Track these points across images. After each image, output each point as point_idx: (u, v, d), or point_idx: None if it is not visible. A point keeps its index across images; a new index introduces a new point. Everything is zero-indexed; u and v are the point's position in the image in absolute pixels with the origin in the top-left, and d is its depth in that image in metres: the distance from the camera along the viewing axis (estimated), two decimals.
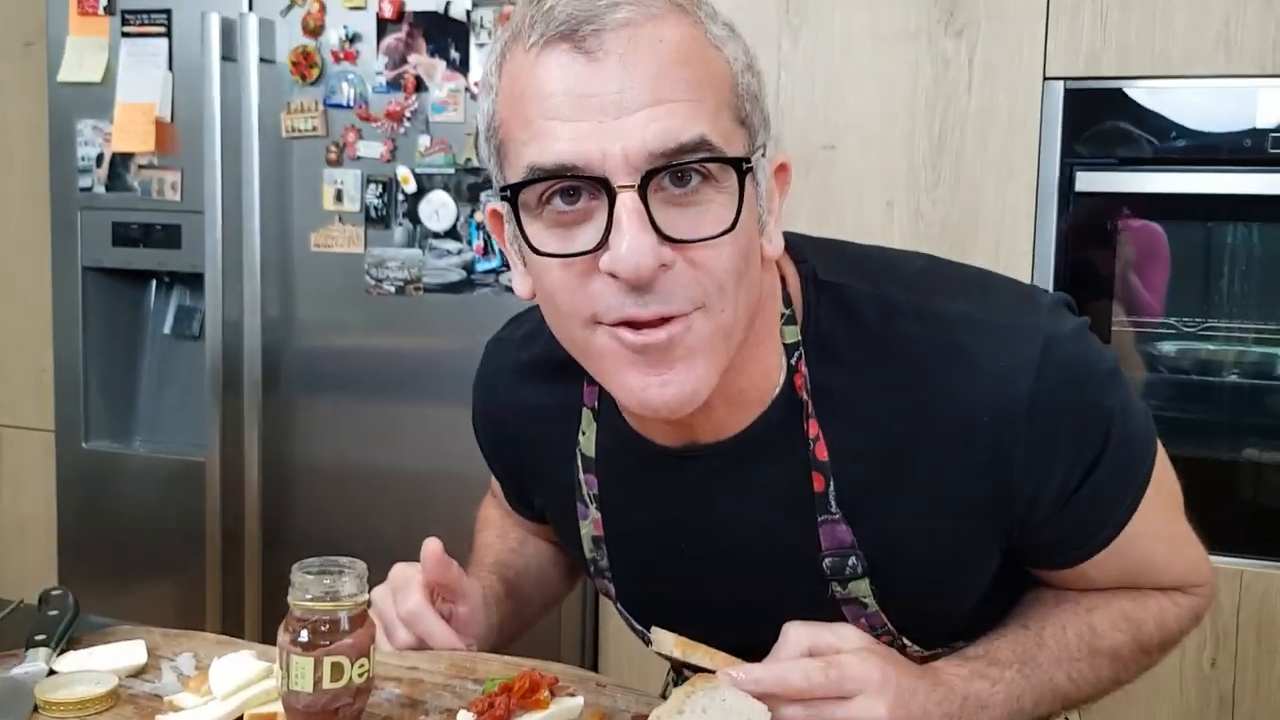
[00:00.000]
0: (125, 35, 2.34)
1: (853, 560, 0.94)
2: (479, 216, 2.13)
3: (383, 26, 2.16)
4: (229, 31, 2.23)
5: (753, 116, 0.86)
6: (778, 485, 0.96)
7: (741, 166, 0.82)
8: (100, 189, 2.40)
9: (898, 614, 0.98)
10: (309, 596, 0.87)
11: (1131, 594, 1.01)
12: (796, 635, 0.89)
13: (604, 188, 0.80)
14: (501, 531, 1.27)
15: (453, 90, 2.13)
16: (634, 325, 0.83)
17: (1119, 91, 1.96)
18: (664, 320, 0.83)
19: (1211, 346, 2.02)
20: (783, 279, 0.95)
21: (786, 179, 0.92)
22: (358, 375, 2.25)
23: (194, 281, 2.42)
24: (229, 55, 2.23)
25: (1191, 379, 2.05)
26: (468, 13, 2.10)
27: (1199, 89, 1.92)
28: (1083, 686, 0.98)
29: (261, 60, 2.20)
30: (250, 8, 2.25)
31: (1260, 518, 1.97)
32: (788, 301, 0.95)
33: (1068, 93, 1.97)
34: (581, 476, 1.05)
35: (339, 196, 2.22)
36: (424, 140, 2.15)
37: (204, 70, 2.23)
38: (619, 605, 1.11)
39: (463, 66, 2.12)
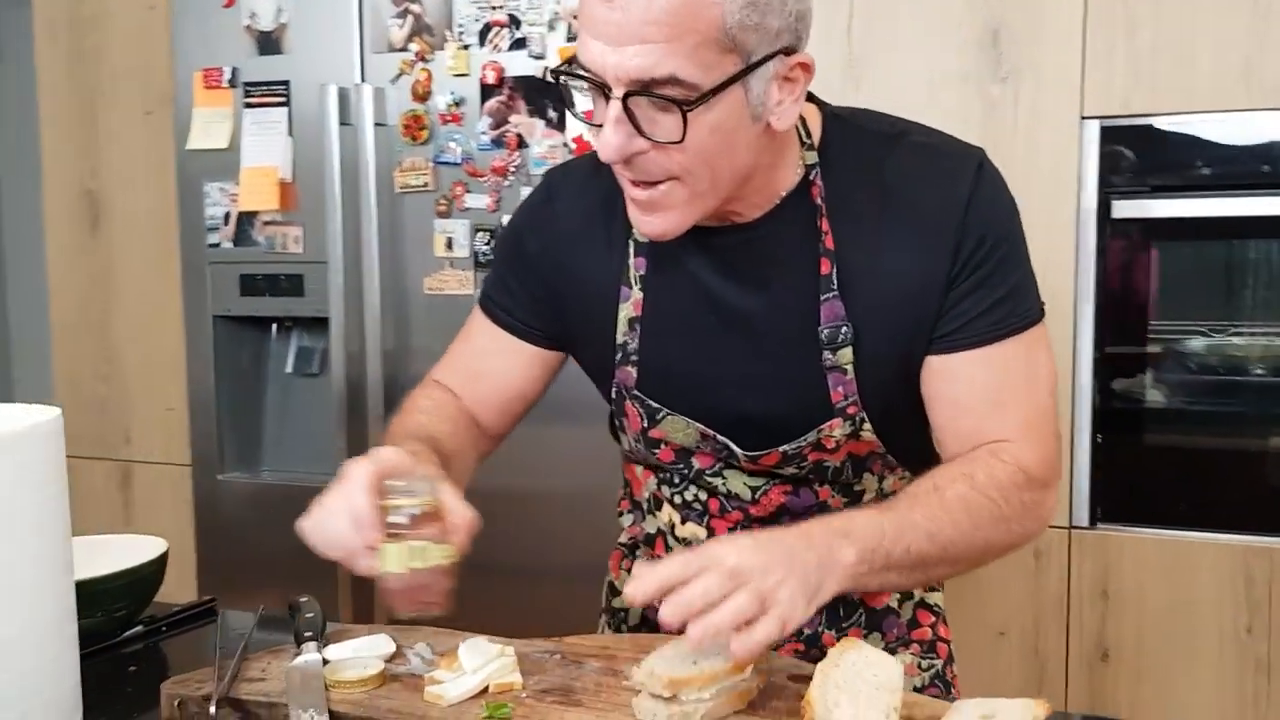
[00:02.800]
0: (248, 106, 2.57)
1: (844, 330, 1.18)
2: None
3: (486, 91, 2.38)
4: (344, 100, 2.44)
5: (746, 37, 1.06)
6: (794, 268, 1.20)
7: (690, 102, 1.04)
8: (228, 244, 2.63)
9: (865, 384, 1.20)
10: (392, 498, 1.06)
11: (969, 457, 1.19)
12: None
13: (605, 91, 1.07)
14: (437, 416, 1.38)
15: (551, 146, 2.33)
16: (631, 182, 1.13)
17: (1150, 126, 2.14)
18: (648, 184, 1.11)
19: (1238, 342, 2.23)
20: (804, 120, 1.21)
21: (810, 71, 1.12)
22: None
23: (313, 324, 2.64)
24: (345, 120, 2.44)
25: (1221, 377, 2.25)
26: (558, 77, 2.32)
27: (1223, 121, 2.11)
28: (942, 526, 1.11)
29: (375, 125, 2.42)
30: (363, 78, 2.46)
31: None
32: (809, 134, 1.21)
33: (1103, 129, 2.16)
34: (631, 260, 1.26)
35: (449, 244, 2.43)
36: (526, 191, 2.36)
37: (323, 135, 2.44)
38: (634, 392, 1.28)
39: (560, 124, 2.34)
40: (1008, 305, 1.19)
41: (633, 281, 1.27)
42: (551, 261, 1.32)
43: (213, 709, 1.07)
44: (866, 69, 2.28)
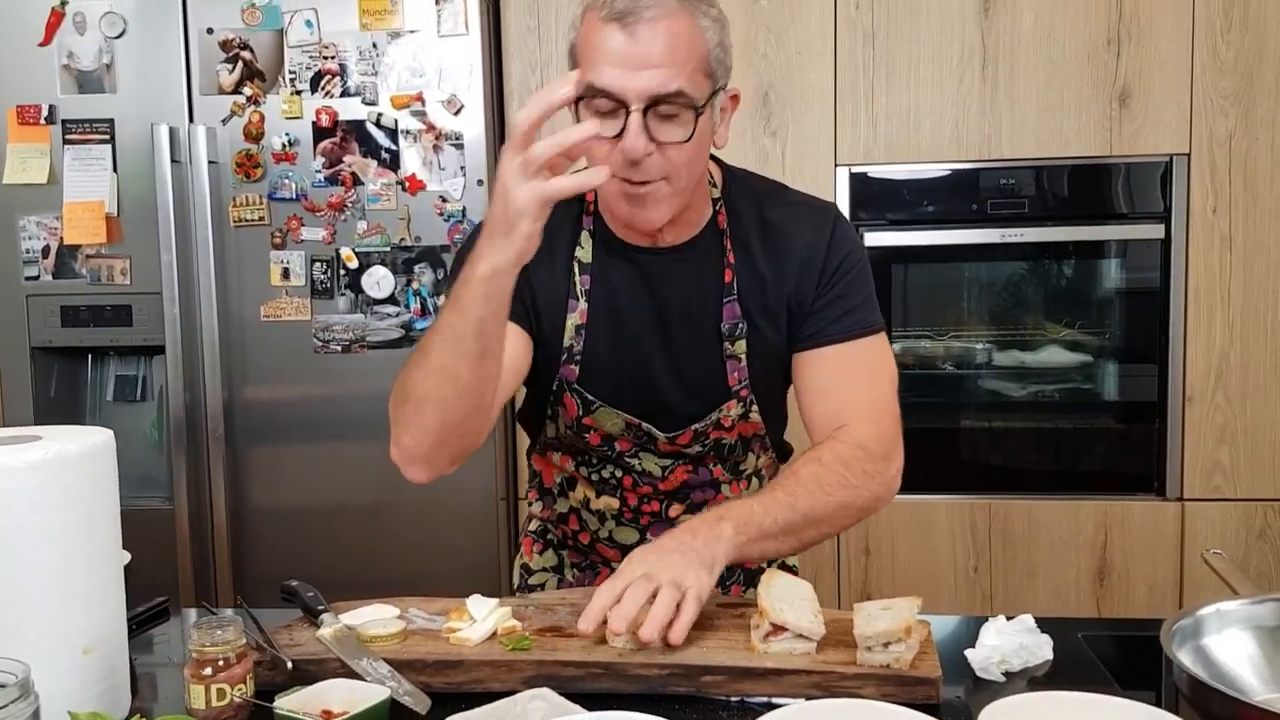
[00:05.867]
0: (68, 142, 2.59)
1: (740, 326, 1.51)
2: (415, 284, 2.57)
3: (319, 132, 2.55)
4: (175, 138, 2.55)
5: (717, 71, 1.40)
6: (705, 278, 1.52)
7: (697, 109, 1.36)
8: (48, 277, 2.64)
9: (754, 372, 1.52)
10: (200, 644, 1.16)
11: (818, 445, 1.48)
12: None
13: (624, 107, 1.34)
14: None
15: (385, 184, 2.55)
16: (629, 181, 1.39)
17: (887, 173, 2.65)
18: (644, 183, 1.39)
19: (957, 344, 2.78)
20: (710, 170, 1.54)
21: (737, 101, 1.47)
22: (309, 423, 2.59)
23: (138, 353, 2.71)
24: (175, 158, 2.54)
25: (946, 371, 2.78)
26: (395, 121, 2.55)
27: (940, 170, 2.65)
28: (799, 497, 1.41)
29: (209, 162, 2.54)
30: (191, 119, 2.57)
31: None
32: (713, 180, 1.55)
33: (852, 175, 2.64)
34: (577, 278, 1.53)
35: (285, 274, 2.58)
36: (362, 225, 2.56)
37: (152, 172, 2.52)
38: (575, 386, 1.53)
39: (393, 164, 2.56)
40: (857, 315, 1.53)
41: (579, 295, 1.54)
42: (524, 288, 1.53)
43: (289, 664, 1.26)
44: None
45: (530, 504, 1.79)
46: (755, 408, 1.57)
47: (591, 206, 1.56)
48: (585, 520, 1.67)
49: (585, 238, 1.55)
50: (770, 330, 1.54)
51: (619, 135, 1.36)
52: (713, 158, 1.57)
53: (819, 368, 1.54)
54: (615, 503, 1.63)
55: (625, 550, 1.60)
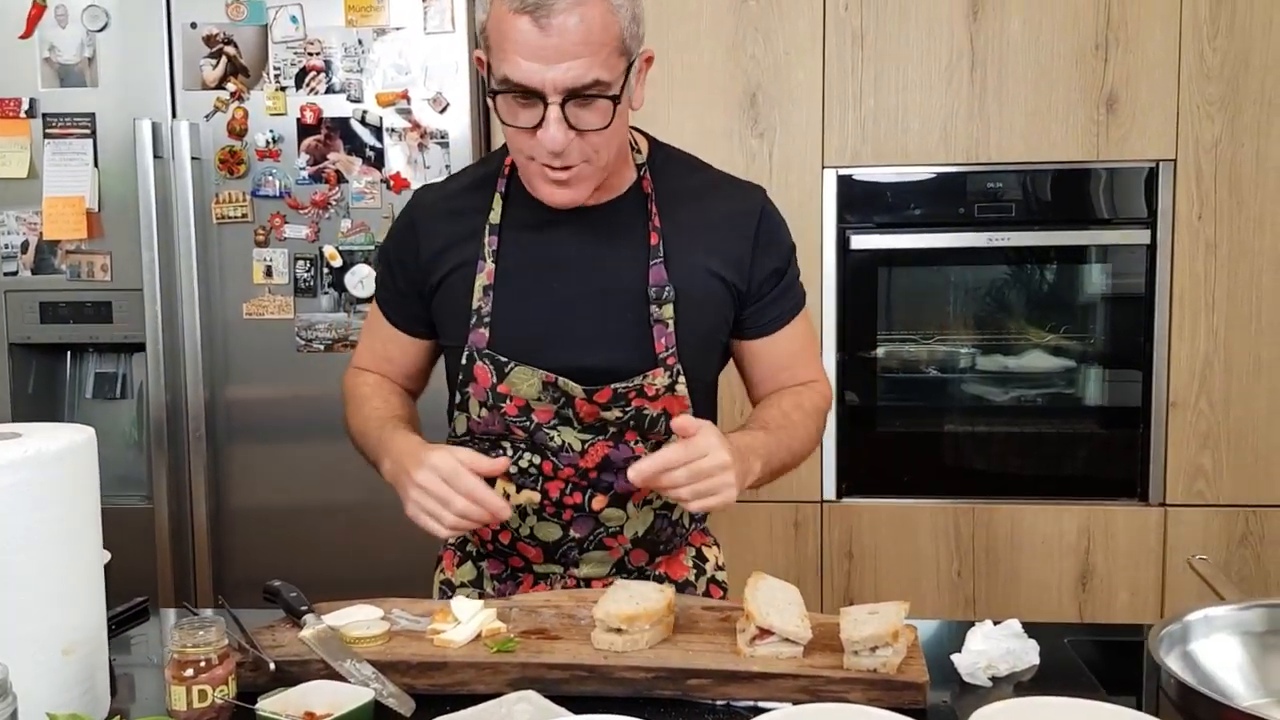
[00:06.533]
0: (49, 137, 2.57)
1: (667, 290, 1.50)
2: None
3: (303, 130, 2.53)
4: (157, 134, 2.53)
5: (631, 45, 1.40)
6: (630, 240, 1.53)
7: (616, 97, 1.38)
8: (26, 272, 2.61)
9: (682, 340, 1.52)
10: (181, 644, 1.16)
11: (793, 390, 1.61)
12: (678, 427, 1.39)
13: (542, 99, 1.36)
14: (384, 398, 1.65)
15: (370, 182, 2.54)
16: (550, 167, 1.41)
17: (875, 176, 2.66)
18: (566, 168, 1.41)
19: (943, 348, 2.79)
20: (635, 138, 1.57)
21: (651, 61, 1.47)
22: (291, 422, 2.58)
23: (117, 350, 2.69)
24: (158, 154, 2.52)
25: (931, 375, 2.79)
26: (380, 119, 2.54)
27: (928, 173, 2.66)
28: (794, 440, 1.54)
29: (192, 158, 2.52)
30: (174, 114, 2.55)
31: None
32: (637, 147, 1.57)
33: (839, 177, 2.64)
34: (486, 239, 1.53)
35: (268, 271, 2.56)
36: (346, 223, 2.55)
37: (133, 167, 2.50)
38: (485, 351, 1.52)
39: (378, 162, 2.55)
40: (796, 293, 1.63)
41: (486, 256, 1.53)
42: (419, 266, 1.57)
43: (272, 665, 1.25)
44: (644, 124, 2.65)
45: None
46: (682, 380, 1.54)
47: (507, 170, 1.57)
48: (507, 521, 1.59)
49: (497, 200, 1.56)
50: (701, 295, 1.54)
51: (536, 126, 1.38)
52: (638, 129, 1.59)
53: (774, 348, 1.62)
54: (536, 496, 1.58)
55: (547, 548, 1.60)
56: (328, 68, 2.53)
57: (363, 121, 2.53)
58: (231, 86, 2.54)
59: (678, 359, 1.53)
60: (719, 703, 1.24)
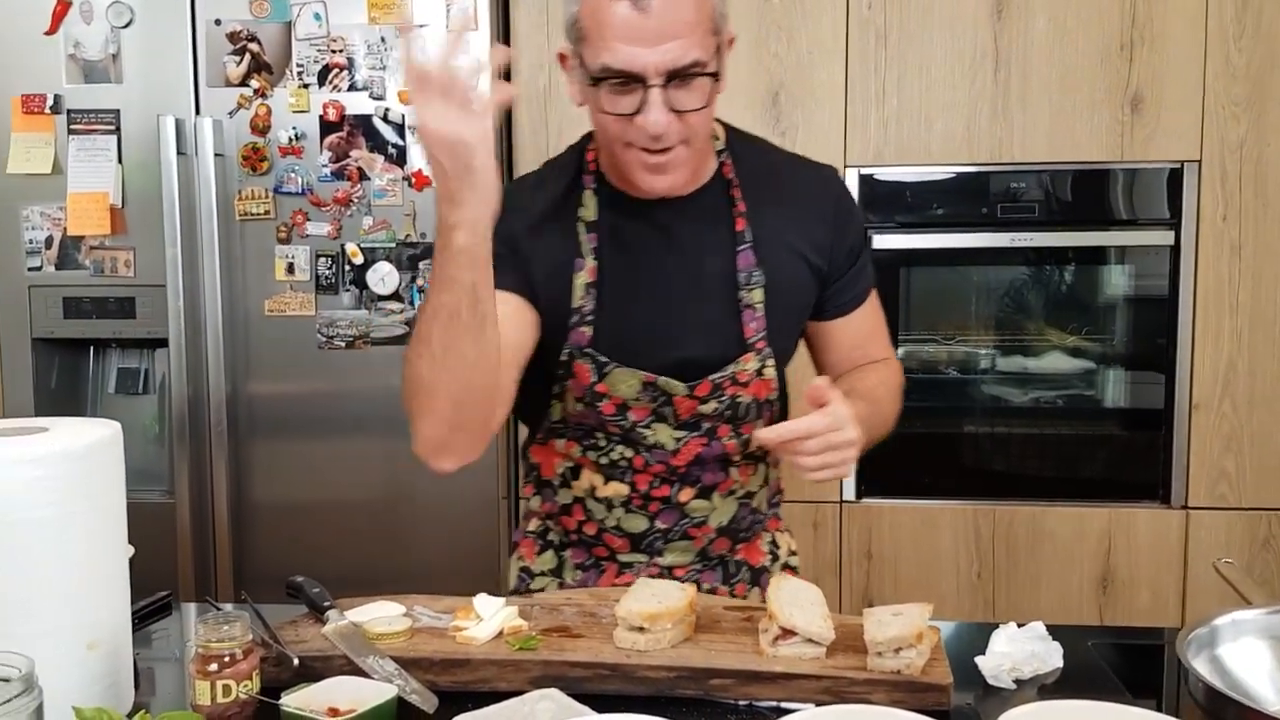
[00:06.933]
0: (73, 133, 2.58)
1: (756, 274, 1.52)
2: (419, 281, 2.56)
3: (326, 127, 2.53)
4: (181, 130, 2.54)
5: (720, 24, 1.42)
6: (717, 227, 1.53)
7: (715, 76, 1.40)
8: (50, 268, 2.63)
9: (770, 324, 1.53)
10: (206, 639, 1.16)
11: (874, 367, 1.63)
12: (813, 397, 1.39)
13: (643, 83, 1.36)
14: None
15: (391, 180, 2.54)
16: (649, 150, 1.41)
17: (897, 175, 2.64)
18: (664, 151, 1.41)
19: (964, 349, 2.77)
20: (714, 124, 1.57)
21: (733, 42, 1.47)
22: (312, 419, 2.58)
23: (138, 345, 2.70)
24: (181, 150, 2.53)
25: (952, 376, 2.78)
26: (403, 116, 2.54)
27: (950, 172, 2.64)
28: (884, 415, 1.57)
29: (215, 155, 2.52)
30: (197, 111, 2.56)
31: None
32: (715, 134, 1.56)
33: (861, 176, 2.63)
34: (584, 237, 1.52)
35: (290, 268, 2.57)
36: (368, 220, 2.55)
37: (158, 164, 2.50)
38: (587, 350, 1.50)
39: (400, 160, 2.55)
40: (869, 272, 1.65)
41: (585, 253, 1.52)
42: (515, 259, 1.50)
43: (295, 661, 1.25)
44: None
45: (527, 500, 1.74)
46: (771, 363, 1.55)
47: (592, 165, 1.56)
48: (591, 510, 1.62)
49: (588, 196, 1.55)
50: (787, 278, 1.55)
51: (636, 111, 1.38)
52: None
53: (850, 327, 1.63)
54: (624, 489, 1.58)
55: (633, 539, 1.60)
56: (350, 65, 2.53)
57: (385, 119, 2.53)
58: (255, 83, 2.54)
59: (767, 344, 1.54)
60: (741, 703, 1.23)
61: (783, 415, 1.65)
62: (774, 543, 1.73)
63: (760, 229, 1.54)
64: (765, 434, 1.37)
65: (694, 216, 1.54)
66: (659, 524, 1.59)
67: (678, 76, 1.37)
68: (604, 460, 1.58)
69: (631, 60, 1.36)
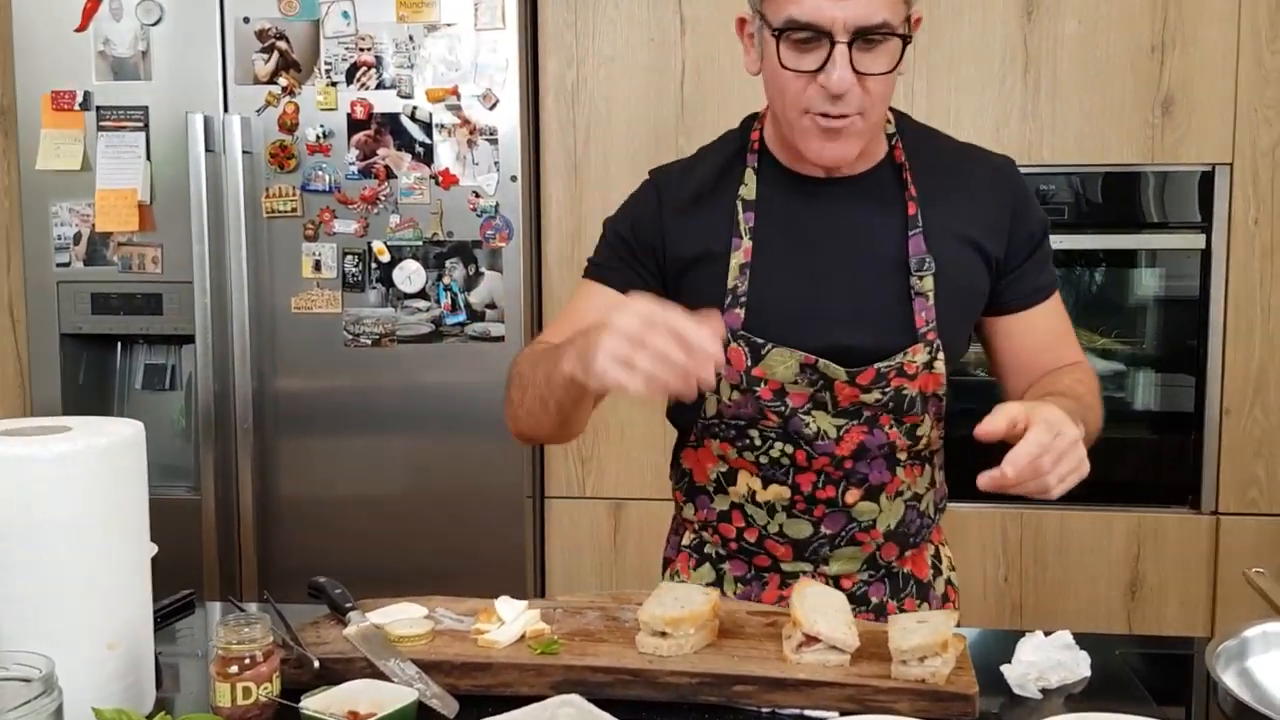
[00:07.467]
0: (102, 129, 2.60)
1: (927, 261, 1.45)
2: (446, 279, 2.56)
3: (353, 125, 2.54)
4: (209, 128, 2.55)
5: None
6: (887, 211, 1.48)
7: (904, 36, 1.35)
8: (79, 264, 2.65)
9: (941, 314, 1.45)
10: (226, 641, 1.15)
11: (1068, 369, 1.52)
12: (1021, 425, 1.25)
13: (829, 39, 1.33)
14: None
15: (419, 178, 2.54)
16: (825, 115, 1.37)
17: None
18: (842, 116, 1.37)
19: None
20: None
21: (919, 24, 1.43)
22: (338, 416, 2.58)
23: (167, 342, 2.72)
24: (209, 147, 2.54)
25: (980, 376, 2.75)
26: (430, 115, 2.54)
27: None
28: (1086, 419, 1.37)
29: (243, 152, 2.54)
30: (226, 109, 2.57)
31: None
32: (887, 118, 1.51)
33: None
34: (740, 216, 1.48)
35: (317, 266, 2.58)
36: (394, 218, 2.56)
37: (185, 161, 2.52)
38: (741, 333, 1.45)
39: (427, 158, 2.55)
40: (1050, 268, 1.57)
41: (743, 233, 1.48)
42: (664, 241, 1.51)
43: (316, 663, 1.25)
44: (696, 118, 2.65)
45: (680, 507, 1.66)
46: (941, 357, 1.48)
47: (756, 145, 1.52)
48: (751, 515, 1.54)
49: (749, 175, 1.51)
50: (959, 268, 1.48)
51: (819, 69, 1.35)
52: None
53: (1033, 325, 1.55)
54: (786, 491, 1.51)
55: (797, 545, 1.53)
56: (378, 63, 2.53)
57: (412, 117, 2.53)
58: (283, 81, 2.55)
59: (937, 335, 1.47)
60: (764, 710, 1.22)
61: (946, 418, 1.61)
62: (937, 555, 1.66)
63: (932, 214, 1.48)
64: (987, 480, 1.22)
65: (863, 198, 1.49)
66: (824, 529, 1.52)
67: (864, 36, 1.33)
68: (763, 459, 1.51)
69: (818, 12, 1.32)
